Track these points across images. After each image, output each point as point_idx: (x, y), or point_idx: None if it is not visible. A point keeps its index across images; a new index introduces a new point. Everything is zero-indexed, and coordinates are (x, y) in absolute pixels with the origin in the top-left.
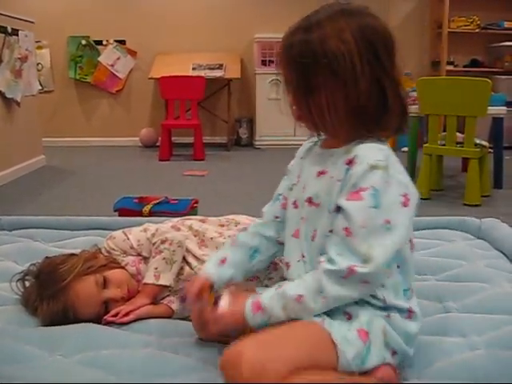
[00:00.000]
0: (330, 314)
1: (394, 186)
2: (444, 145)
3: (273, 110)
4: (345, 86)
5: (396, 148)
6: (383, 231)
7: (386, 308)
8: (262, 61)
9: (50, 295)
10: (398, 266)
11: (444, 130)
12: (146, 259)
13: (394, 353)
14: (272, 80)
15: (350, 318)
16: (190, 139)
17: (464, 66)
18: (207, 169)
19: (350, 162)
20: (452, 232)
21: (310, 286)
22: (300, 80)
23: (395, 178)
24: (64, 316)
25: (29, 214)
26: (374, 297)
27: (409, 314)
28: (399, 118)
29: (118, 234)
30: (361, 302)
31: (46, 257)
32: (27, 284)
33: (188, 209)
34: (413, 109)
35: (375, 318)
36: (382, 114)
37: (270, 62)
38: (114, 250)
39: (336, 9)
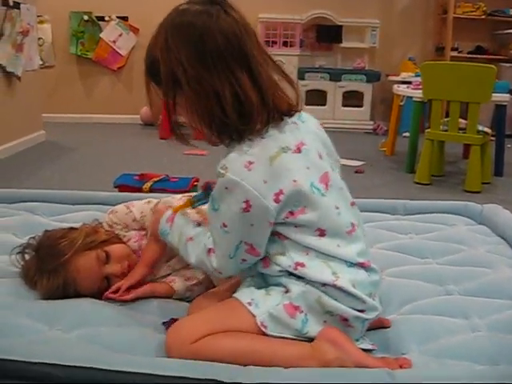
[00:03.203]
0: (270, 283)
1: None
2: (446, 130)
3: None
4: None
5: (397, 133)
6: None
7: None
8: (266, 41)
9: (51, 270)
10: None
11: (446, 116)
12: (146, 234)
13: (344, 319)
14: (276, 61)
15: (287, 291)
16: None
17: (468, 53)
18: (207, 149)
19: None
20: (453, 217)
21: (201, 242)
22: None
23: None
24: (64, 291)
25: (28, 188)
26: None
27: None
28: (263, 110)
29: (120, 207)
30: (296, 276)
31: (46, 230)
32: (26, 257)
33: (188, 187)
34: (416, 93)
35: (308, 290)
36: (236, 113)
37: (273, 42)
38: (116, 224)
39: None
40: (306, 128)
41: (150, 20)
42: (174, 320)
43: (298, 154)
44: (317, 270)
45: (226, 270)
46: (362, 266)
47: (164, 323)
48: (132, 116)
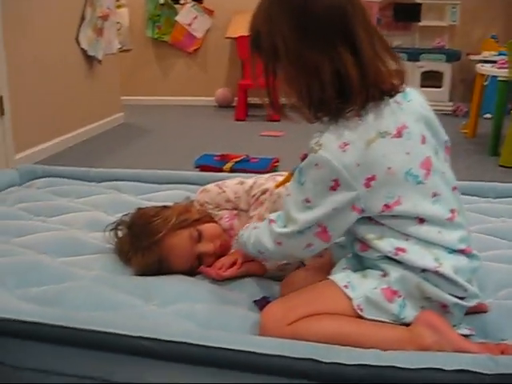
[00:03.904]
0: (367, 266)
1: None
2: None
3: None
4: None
5: (478, 114)
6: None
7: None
8: None
9: (145, 247)
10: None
11: None
12: (240, 215)
13: (443, 306)
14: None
15: (384, 275)
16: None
17: None
18: (284, 130)
19: None
20: None
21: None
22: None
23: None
24: (158, 268)
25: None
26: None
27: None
28: (363, 88)
29: (212, 187)
30: (395, 261)
31: (139, 208)
32: (119, 234)
33: (269, 167)
34: (501, 73)
35: (408, 275)
36: (334, 90)
37: None
38: (207, 203)
39: None
40: (411, 108)
41: (224, 2)
42: (265, 298)
43: (398, 139)
44: (419, 255)
45: (287, 244)
46: (463, 252)
47: (255, 301)
48: (207, 98)
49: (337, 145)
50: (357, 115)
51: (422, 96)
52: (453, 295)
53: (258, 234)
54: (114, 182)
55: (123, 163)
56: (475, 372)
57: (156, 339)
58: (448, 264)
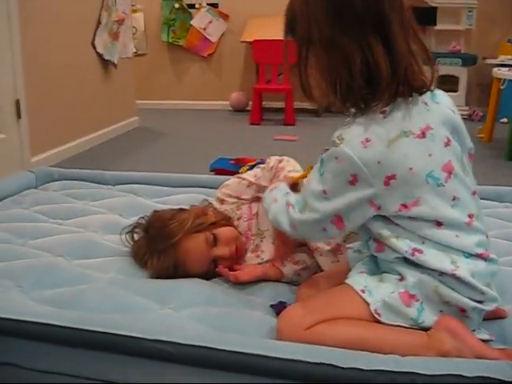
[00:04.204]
0: (384, 269)
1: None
2: None
3: None
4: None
5: (495, 118)
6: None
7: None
8: None
9: (161, 250)
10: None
11: None
12: (258, 215)
13: (461, 310)
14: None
15: (401, 279)
16: (279, 104)
17: None
18: (298, 134)
19: None
20: None
21: (283, 200)
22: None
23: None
24: (174, 271)
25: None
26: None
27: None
28: (393, 81)
29: (232, 180)
30: (411, 263)
31: (155, 211)
32: (136, 237)
33: None
34: None
35: (425, 279)
36: (363, 80)
37: None
38: (229, 196)
39: None
40: (438, 110)
41: (239, 6)
42: (282, 303)
43: (422, 140)
44: (435, 258)
45: (302, 229)
46: (480, 256)
47: (272, 306)
48: (222, 102)
49: (359, 140)
50: (383, 112)
51: (450, 99)
52: (471, 299)
53: (276, 212)
54: (130, 185)
55: (138, 167)
56: (494, 378)
57: (171, 342)
58: (465, 267)
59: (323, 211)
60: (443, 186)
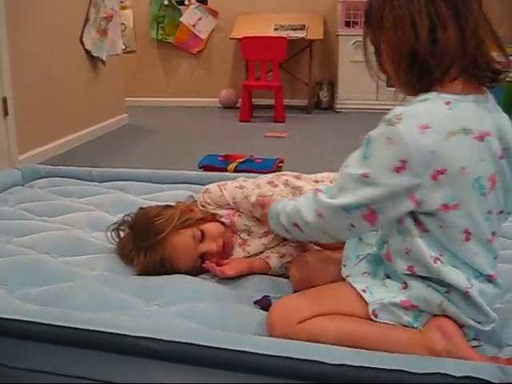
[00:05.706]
0: (388, 272)
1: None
2: None
3: (355, 72)
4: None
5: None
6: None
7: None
8: (346, 22)
9: (147, 247)
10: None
11: None
12: (241, 213)
13: (459, 325)
14: (355, 42)
15: (405, 287)
16: (268, 101)
17: None
18: (287, 131)
19: None
20: None
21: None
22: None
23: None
24: (160, 267)
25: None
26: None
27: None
28: (461, 56)
29: (214, 188)
30: (419, 277)
31: (141, 207)
32: (121, 234)
33: (273, 168)
34: None
35: (431, 293)
36: (429, 48)
37: (354, 23)
38: (209, 204)
39: None
40: (499, 121)
41: (228, 3)
42: (266, 298)
43: (479, 142)
44: (454, 272)
45: (329, 218)
46: (490, 278)
47: (256, 302)
48: (211, 99)
49: (417, 124)
50: (447, 103)
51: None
52: (472, 319)
53: (297, 204)
54: (117, 182)
55: (127, 164)
56: (483, 380)
57: (155, 339)
58: (476, 286)
59: (360, 196)
60: (485, 196)
